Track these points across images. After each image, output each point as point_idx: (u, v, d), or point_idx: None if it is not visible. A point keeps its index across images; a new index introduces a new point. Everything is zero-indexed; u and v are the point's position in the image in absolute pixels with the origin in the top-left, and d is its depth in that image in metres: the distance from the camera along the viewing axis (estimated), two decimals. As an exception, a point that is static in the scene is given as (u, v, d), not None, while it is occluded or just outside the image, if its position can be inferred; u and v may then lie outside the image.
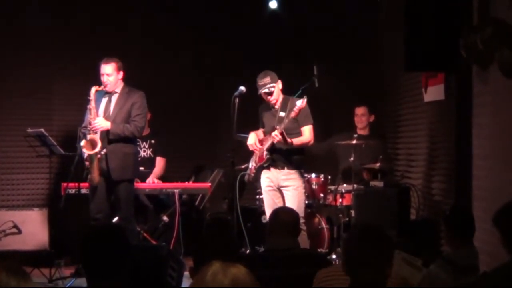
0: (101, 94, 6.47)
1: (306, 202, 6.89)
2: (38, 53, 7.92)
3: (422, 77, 6.86)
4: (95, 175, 6.31)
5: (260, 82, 6.45)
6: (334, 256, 6.86)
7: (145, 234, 7.27)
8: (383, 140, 7.98)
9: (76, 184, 6.50)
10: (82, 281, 5.81)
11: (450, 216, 4.32)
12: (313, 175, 7.25)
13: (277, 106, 6.55)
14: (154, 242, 7.17)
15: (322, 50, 8.14)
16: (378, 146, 7.55)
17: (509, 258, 3.37)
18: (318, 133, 6.80)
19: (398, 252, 4.10)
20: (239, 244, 6.82)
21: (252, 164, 6.72)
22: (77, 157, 6.35)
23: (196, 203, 7.77)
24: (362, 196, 6.96)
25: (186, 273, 4.86)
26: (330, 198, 7.30)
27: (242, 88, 6.37)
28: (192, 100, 8.49)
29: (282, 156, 6.51)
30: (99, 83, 6.42)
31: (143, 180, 7.46)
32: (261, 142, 6.61)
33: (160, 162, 7.79)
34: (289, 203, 6.34)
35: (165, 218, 7.35)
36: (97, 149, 6.24)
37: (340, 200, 7.26)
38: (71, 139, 7.06)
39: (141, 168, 7.42)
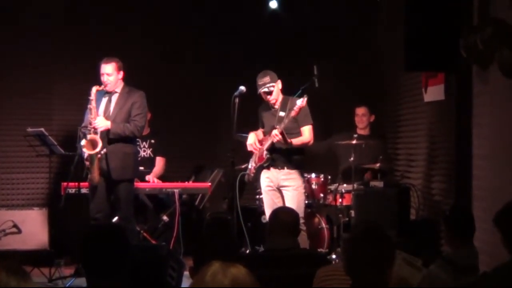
0: (101, 93, 6.47)
1: (306, 202, 6.89)
2: (38, 53, 7.92)
3: (422, 77, 6.86)
4: (95, 175, 6.31)
5: (260, 82, 6.45)
6: (334, 256, 6.86)
7: (145, 234, 7.27)
8: (383, 140, 7.98)
9: (76, 183, 6.50)
10: (82, 281, 5.81)
11: (450, 216, 4.32)
12: (313, 175, 7.25)
13: (276, 106, 6.55)
14: (154, 242, 7.16)
15: (322, 50, 8.14)
16: (378, 146, 7.55)
17: (509, 258, 3.37)
18: (318, 133, 6.80)
19: (399, 252, 4.09)
20: (239, 244, 6.82)
21: (252, 164, 6.72)
22: (77, 156, 6.35)
23: (196, 203, 7.77)
24: (362, 196, 6.96)
25: (186, 273, 4.86)
26: (330, 198, 7.30)
27: (242, 88, 6.37)
28: (192, 100, 8.49)
29: (282, 156, 6.51)
30: (99, 82, 6.42)
31: (143, 180, 7.45)
32: (260, 142, 6.61)
33: (160, 161, 7.80)
34: (289, 203, 6.34)
35: (165, 218, 7.35)
36: (98, 149, 6.24)
37: (340, 200, 7.26)
38: (71, 139, 7.06)
39: (141, 168, 7.42)
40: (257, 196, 7.30)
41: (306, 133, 6.51)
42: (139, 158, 7.35)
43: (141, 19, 8.26)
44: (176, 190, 7.19)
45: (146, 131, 7.38)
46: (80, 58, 7.84)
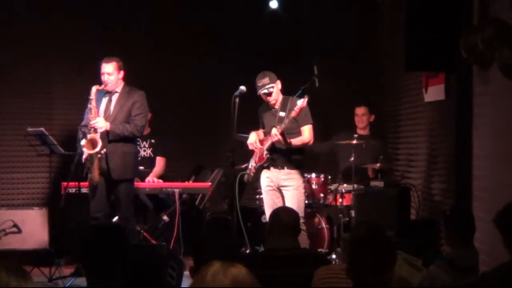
0: (101, 93, 6.46)
1: (306, 202, 6.89)
2: (39, 53, 7.93)
3: (423, 77, 6.86)
4: (95, 175, 6.30)
5: (259, 83, 6.44)
6: (334, 256, 6.86)
7: (145, 234, 7.27)
8: (383, 140, 7.98)
9: (76, 183, 6.50)
10: (82, 281, 5.82)
11: (450, 216, 4.33)
12: (313, 175, 7.25)
13: (276, 106, 6.55)
14: (154, 242, 7.16)
15: (323, 50, 8.13)
16: (378, 146, 7.55)
17: (509, 258, 3.37)
18: (318, 133, 6.80)
19: (399, 253, 4.09)
20: (239, 243, 6.82)
21: (252, 164, 6.72)
22: (77, 156, 6.35)
23: (196, 202, 7.76)
24: (362, 196, 6.96)
25: (186, 273, 4.88)
26: (330, 198, 7.30)
27: (242, 87, 6.37)
28: (192, 99, 8.49)
29: (282, 156, 6.51)
30: (99, 82, 6.42)
31: (143, 179, 7.45)
32: (261, 142, 6.61)
33: (160, 161, 7.79)
34: (289, 203, 6.34)
35: (165, 217, 7.35)
36: (98, 148, 6.23)
37: (340, 200, 7.26)
38: (71, 138, 7.07)
39: (141, 168, 7.42)
40: (257, 196, 7.31)
41: (306, 133, 6.51)
42: (139, 158, 7.36)
43: (141, 19, 8.26)
44: (176, 190, 7.18)
45: (146, 130, 7.38)
46: (81, 58, 7.83)
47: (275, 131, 6.28)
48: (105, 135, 6.34)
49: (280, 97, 6.56)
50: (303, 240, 6.05)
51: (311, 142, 6.59)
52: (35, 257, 6.91)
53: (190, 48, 8.40)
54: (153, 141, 7.82)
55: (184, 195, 7.49)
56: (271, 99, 6.50)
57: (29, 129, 7.03)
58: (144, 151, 7.78)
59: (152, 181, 7.51)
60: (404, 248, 4.12)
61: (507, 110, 4.99)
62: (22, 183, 7.99)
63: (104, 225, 5.55)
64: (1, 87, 7.86)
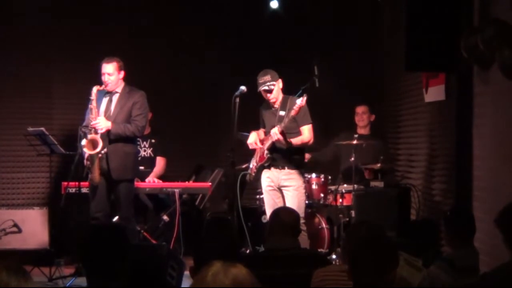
0: (102, 93, 6.46)
1: (307, 202, 6.89)
2: (39, 53, 7.92)
3: (423, 78, 6.86)
4: (96, 175, 6.31)
5: (260, 80, 6.45)
6: (334, 256, 6.86)
7: (145, 234, 7.27)
8: (384, 140, 7.98)
9: (77, 183, 6.50)
10: (82, 280, 5.82)
11: (451, 216, 4.33)
12: (314, 175, 7.25)
13: (277, 105, 6.55)
14: (154, 242, 7.16)
15: (323, 50, 8.13)
16: (379, 146, 7.55)
17: (509, 258, 3.37)
18: (318, 133, 6.80)
19: (400, 253, 4.10)
20: (240, 243, 6.82)
21: (253, 164, 6.72)
22: (78, 156, 6.35)
23: (197, 202, 7.76)
24: (363, 197, 6.96)
25: (186, 273, 4.87)
26: (330, 198, 7.30)
27: (242, 87, 6.37)
28: (192, 100, 8.49)
29: (282, 155, 6.51)
30: (100, 82, 6.42)
31: (143, 179, 7.45)
32: (262, 141, 6.61)
33: (160, 161, 7.79)
34: (289, 203, 6.34)
35: (165, 217, 7.35)
36: (98, 149, 6.23)
37: (340, 200, 7.26)
38: (71, 138, 7.07)
39: (141, 168, 7.42)
40: (258, 196, 7.31)
41: (306, 133, 6.51)
42: (140, 158, 7.36)
43: (141, 19, 8.26)
44: (176, 190, 7.18)
45: (147, 130, 7.38)
46: (81, 58, 7.83)
47: (275, 131, 6.28)
48: (106, 135, 6.34)
49: (281, 96, 6.56)
50: (303, 240, 6.05)
51: (311, 141, 6.59)
52: (35, 257, 6.91)
53: (190, 48, 8.40)
54: (153, 141, 7.82)
55: (184, 195, 7.49)
56: (271, 97, 6.50)
57: (30, 128, 7.03)
58: (145, 151, 7.78)
59: (152, 181, 7.51)
60: (404, 248, 4.12)
61: (508, 111, 4.99)
62: (22, 183, 7.99)
63: (104, 225, 5.55)
64: (1, 87, 7.86)
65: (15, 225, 7.32)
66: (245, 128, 6.72)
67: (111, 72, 6.40)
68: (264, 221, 6.82)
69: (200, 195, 7.73)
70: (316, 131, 6.64)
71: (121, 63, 6.45)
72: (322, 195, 7.23)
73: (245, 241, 7.15)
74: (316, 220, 7.29)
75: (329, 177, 7.35)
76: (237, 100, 6.32)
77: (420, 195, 7.05)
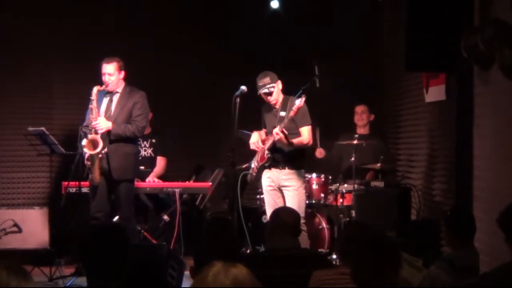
0: (102, 93, 6.46)
1: (307, 202, 6.89)
2: (39, 53, 7.92)
3: (423, 78, 6.86)
4: (96, 175, 6.31)
5: (260, 83, 6.44)
6: (334, 256, 6.85)
7: (145, 234, 7.27)
8: (384, 140, 7.98)
9: (77, 183, 6.50)
10: (83, 280, 5.82)
11: (451, 216, 4.33)
12: (314, 175, 7.25)
13: (277, 106, 6.55)
14: (154, 242, 7.16)
15: (323, 50, 8.13)
16: (379, 146, 7.55)
17: (510, 258, 3.37)
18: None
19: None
20: (240, 243, 6.82)
21: (254, 164, 6.72)
22: (78, 156, 6.35)
23: (197, 202, 7.77)
24: (363, 197, 6.96)
25: (187, 273, 4.87)
26: (330, 198, 7.31)
27: (243, 87, 6.37)
28: (193, 99, 8.49)
29: (283, 156, 6.51)
30: (100, 82, 6.42)
31: (144, 179, 7.45)
32: (263, 142, 6.61)
33: (160, 161, 7.80)
34: (290, 203, 6.34)
35: (165, 217, 7.35)
36: (99, 149, 6.23)
37: (340, 200, 7.27)
38: (72, 138, 7.07)
39: (142, 167, 7.42)
40: (258, 196, 7.31)
41: (305, 134, 6.50)
42: (140, 158, 7.36)
43: (141, 19, 8.26)
44: (176, 190, 7.18)
45: (147, 130, 7.38)
46: (81, 58, 7.83)
47: (276, 130, 6.28)
48: (106, 135, 6.34)
49: (281, 97, 6.55)
50: (304, 240, 6.05)
51: (310, 142, 6.60)
52: (36, 256, 6.92)
53: (190, 48, 8.40)
54: (153, 141, 7.82)
55: (185, 195, 7.49)
56: (272, 99, 6.50)
57: (30, 128, 7.03)
58: (145, 150, 7.78)
59: (152, 181, 7.51)
60: (405, 248, 4.12)
61: (508, 111, 4.99)
62: (22, 183, 7.99)
63: (104, 225, 5.55)
64: (1, 87, 7.86)
65: (15, 225, 7.32)
66: (245, 128, 6.73)
67: (111, 72, 6.40)
68: (265, 221, 6.82)
69: (201, 195, 7.74)
70: (315, 131, 6.63)
71: (121, 63, 6.45)
72: (322, 195, 7.23)
73: (246, 241, 7.15)
74: (317, 220, 7.29)
75: (330, 177, 7.35)
76: (238, 100, 6.32)
77: (421, 195, 7.05)
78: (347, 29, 8.29)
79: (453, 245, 4.18)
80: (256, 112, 6.79)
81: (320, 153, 7.53)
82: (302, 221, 6.02)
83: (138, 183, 7.12)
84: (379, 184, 7.05)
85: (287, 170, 6.51)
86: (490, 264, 4.38)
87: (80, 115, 6.74)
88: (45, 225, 7.36)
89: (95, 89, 6.35)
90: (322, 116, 7.45)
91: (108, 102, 6.49)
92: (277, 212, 4.54)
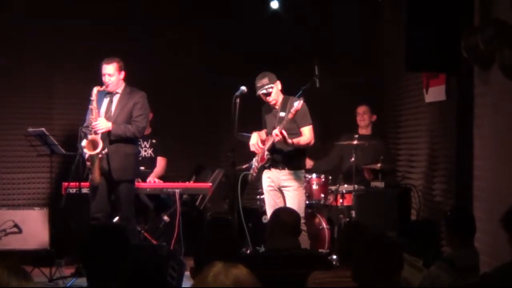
0: (102, 94, 6.46)
1: (307, 202, 6.89)
2: (39, 53, 7.92)
3: (423, 78, 6.86)
4: (96, 175, 6.30)
5: (258, 84, 6.44)
6: (334, 257, 6.84)
7: (145, 234, 7.27)
8: (385, 140, 7.98)
9: (77, 183, 6.50)
10: (83, 281, 5.82)
11: (451, 216, 4.32)
12: (314, 175, 7.26)
13: (277, 107, 6.55)
14: (154, 242, 7.17)
15: (324, 50, 8.13)
16: (379, 146, 7.55)
17: (510, 259, 3.37)
18: (318, 133, 6.79)
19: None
20: (240, 244, 6.82)
21: (255, 164, 6.71)
22: (78, 156, 6.35)
23: (197, 203, 7.77)
24: (363, 197, 6.96)
25: (187, 273, 4.86)
26: (331, 198, 7.31)
27: (243, 88, 6.37)
28: (193, 100, 8.49)
29: (282, 156, 6.51)
30: (100, 83, 6.42)
31: (144, 179, 7.45)
32: (263, 142, 6.61)
33: (161, 161, 7.79)
34: (290, 204, 6.34)
35: (165, 218, 7.35)
36: (99, 149, 6.23)
37: (341, 200, 7.27)
38: (72, 139, 7.07)
39: (142, 168, 7.42)
40: (258, 196, 7.31)
41: (307, 134, 6.50)
42: (140, 158, 7.36)
43: (141, 19, 8.26)
44: (177, 190, 7.18)
45: (147, 130, 7.38)
46: (82, 58, 7.84)
47: (276, 131, 6.28)
48: (106, 135, 6.34)
49: (281, 97, 6.55)
50: (304, 240, 6.05)
51: (312, 142, 6.59)
52: (36, 257, 6.91)
53: (191, 48, 8.40)
54: (154, 141, 7.82)
55: (185, 196, 7.50)
56: (271, 100, 6.49)
57: (30, 129, 7.03)
58: (145, 151, 7.78)
59: (153, 181, 7.51)
60: (405, 248, 4.12)
61: (508, 111, 4.99)
62: (22, 183, 7.99)
63: (104, 225, 5.55)
64: (1, 87, 7.86)
65: (16, 225, 7.32)
66: (245, 128, 6.72)
67: (111, 73, 6.40)
68: (265, 221, 6.82)
69: (201, 196, 7.74)
70: (316, 131, 6.63)
71: (121, 64, 6.45)
72: (322, 195, 7.24)
73: (246, 241, 7.15)
74: (317, 220, 7.29)
75: (330, 177, 7.36)
76: (238, 100, 6.32)
77: (421, 195, 7.05)
78: (347, 29, 8.29)
79: (453, 245, 4.18)
80: (257, 112, 6.79)
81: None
82: (302, 221, 6.02)
83: (139, 184, 7.12)
84: (379, 184, 7.05)
85: (286, 171, 6.51)
86: (490, 264, 4.37)
87: (80, 115, 6.74)
88: (45, 225, 7.35)
89: (95, 90, 6.35)
90: (322, 116, 7.46)
91: (108, 102, 6.49)
92: (277, 213, 4.54)
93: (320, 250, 7.05)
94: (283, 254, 4.15)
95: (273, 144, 6.45)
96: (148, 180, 7.50)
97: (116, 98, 6.49)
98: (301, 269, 3.91)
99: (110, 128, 6.32)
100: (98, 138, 6.26)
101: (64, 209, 6.57)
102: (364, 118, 7.79)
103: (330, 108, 8.24)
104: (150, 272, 4.45)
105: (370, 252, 2.87)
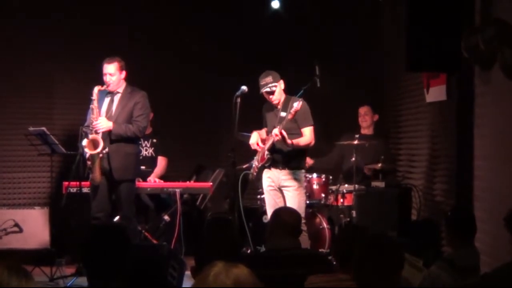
0: (103, 93, 6.46)
1: (308, 202, 6.89)
2: (40, 52, 7.92)
3: (423, 78, 6.86)
4: (97, 175, 6.30)
5: (262, 82, 6.45)
6: (335, 256, 6.85)
7: (146, 234, 7.27)
8: (385, 140, 7.99)
9: (78, 183, 6.51)
10: (83, 280, 5.82)
11: (451, 216, 4.32)
12: (315, 175, 7.26)
13: (279, 106, 6.55)
14: (155, 242, 7.17)
15: (324, 50, 8.13)
16: (379, 146, 7.56)
17: (510, 259, 3.37)
18: (319, 133, 6.80)
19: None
20: (241, 243, 6.82)
21: (255, 163, 6.72)
22: (79, 156, 6.36)
23: (198, 202, 7.77)
24: (363, 197, 6.96)
25: (187, 273, 4.87)
26: (331, 198, 7.31)
27: (243, 87, 6.37)
28: (193, 99, 8.49)
29: (282, 156, 6.51)
30: (101, 82, 6.43)
31: (145, 179, 7.46)
32: (263, 141, 6.61)
33: (161, 161, 7.79)
34: (290, 203, 6.34)
35: (166, 217, 7.35)
36: (99, 149, 6.23)
37: (341, 200, 7.27)
38: (72, 138, 7.08)
39: (143, 167, 7.42)
40: (259, 196, 7.31)
41: (307, 134, 6.50)
42: (141, 157, 7.36)
43: (142, 19, 8.26)
44: (177, 190, 7.19)
45: (148, 130, 7.38)
46: (82, 57, 7.84)
47: (275, 131, 6.28)
48: (107, 135, 6.34)
49: (283, 97, 6.55)
50: (304, 240, 6.05)
51: (312, 143, 6.59)
52: (36, 256, 6.92)
53: (190, 48, 8.39)
54: (154, 140, 7.82)
55: (185, 195, 7.50)
56: (274, 98, 6.50)
57: (31, 128, 7.03)
58: (146, 150, 7.78)
59: (153, 180, 7.51)
60: (405, 248, 4.12)
61: (509, 111, 4.99)
62: (23, 183, 7.99)
63: (105, 225, 5.55)
64: (2, 87, 7.86)
65: (16, 224, 7.32)
66: (246, 128, 6.72)
67: (112, 72, 6.40)
68: (265, 221, 6.82)
69: (201, 195, 7.74)
70: (317, 131, 6.63)
71: (122, 63, 6.45)
72: (323, 195, 7.24)
73: (246, 241, 7.15)
74: (317, 220, 7.29)
75: (330, 177, 7.36)
76: (238, 100, 6.32)
77: (421, 195, 7.05)
78: (347, 29, 8.29)
79: (454, 245, 4.18)
80: (257, 112, 6.79)
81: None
82: (303, 221, 6.02)
83: (139, 183, 7.12)
84: (380, 184, 7.05)
85: (286, 171, 6.51)
86: (491, 264, 4.38)
87: (81, 115, 6.74)
88: (45, 225, 7.36)
89: (96, 89, 6.35)
90: (322, 116, 7.46)
91: (109, 102, 6.49)
92: (277, 212, 4.55)
93: (320, 250, 7.05)
94: (283, 254, 4.15)
95: (273, 144, 6.45)
96: (148, 179, 7.50)
97: (117, 98, 6.50)
98: (301, 269, 3.91)
99: (111, 128, 6.33)
100: (99, 137, 6.26)
101: (65, 208, 6.58)
102: (365, 119, 7.80)
103: (330, 108, 8.24)
104: (151, 272, 4.45)
105: (370, 252, 2.87)
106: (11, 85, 7.89)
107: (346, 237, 3.90)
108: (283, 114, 6.45)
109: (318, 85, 6.71)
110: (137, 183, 6.90)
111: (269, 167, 6.57)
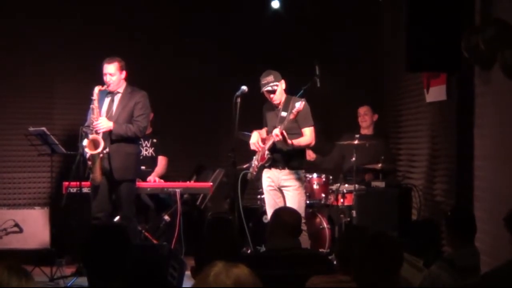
0: (104, 93, 6.46)
1: (308, 202, 6.89)
2: (40, 52, 7.92)
3: (423, 78, 6.86)
4: (97, 175, 6.30)
5: (263, 81, 6.45)
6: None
7: (146, 234, 7.27)
8: (385, 140, 7.99)
9: (78, 183, 6.51)
10: (83, 280, 5.82)
11: (451, 216, 4.32)
12: (315, 175, 7.26)
13: (280, 106, 6.55)
14: (155, 242, 7.17)
15: (324, 50, 8.14)
16: (379, 145, 7.56)
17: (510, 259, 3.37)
18: (319, 133, 6.80)
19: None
20: (241, 243, 6.83)
21: (255, 163, 6.72)
22: (79, 156, 6.36)
23: (198, 202, 7.77)
24: (364, 197, 6.96)
25: (187, 273, 4.87)
26: (331, 198, 7.31)
27: (244, 87, 6.37)
28: (194, 99, 8.49)
29: (283, 156, 6.51)
30: (101, 82, 6.43)
31: (144, 179, 7.46)
32: (263, 141, 6.61)
33: (162, 160, 7.79)
34: (290, 203, 6.34)
35: (166, 217, 7.36)
36: (100, 149, 6.23)
37: (341, 200, 7.27)
38: (72, 138, 7.08)
39: (143, 167, 7.42)
40: (259, 196, 7.32)
41: (308, 135, 6.50)
42: (141, 157, 7.36)
43: (142, 19, 8.26)
44: (177, 190, 7.19)
45: (148, 130, 7.38)
46: (83, 57, 7.84)
47: (276, 132, 6.28)
48: (108, 135, 6.35)
49: (284, 97, 6.55)
50: (304, 240, 6.05)
51: (313, 143, 6.59)
52: (36, 256, 6.92)
53: (190, 48, 8.39)
54: (154, 140, 7.83)
55: (186, 195, 7.50)
56: (274, 98, 6.50)
57: (31, 128, 7.03)
58: (146, 150, 7.78)
59: (153, 180, 7.51)
60: (405, 248, 4.13)
61: (509, 111, 4.99)
62: (23, 183, 7.99)
63: (105, 225, 5.56)
64: (1, 87, 7.86)
65: (16, 225, 7.32)
66: (246, 128, 6.73)
67: (112, 72, 6.40)
68: (265, 221, 6.82)
69: (201, 195, 7.74)
70: (317, 131, 6.64)
71: (122, 63, 6.46)
72: (323, 195, 7.24)
73: (246, 241, 7.15)
74: (317, 220, 7.30)
75: (330, 177, 7.36)
76: (238, 100, 6.32)
77: (421, 195, 7.05)
78: (347, 29, 8.29)
79: (454, 245, 4.18)
80: (257, 112, 6.79)
81: (309, 155, 7.47)
82: (303, 221, 6.03)
83: (139, 183, 7.12)
84: (380, 184, 7.05)
85: (286, 170, 6.51)
86: (491, 264, 4.38)
87: (81, 115, 6.74)
88: (46, 225, 7.36)
89: (97, 89, 6.35)
90: (322, 116, 7.46)
91: (110, 102, 6.49)
92: (278, 212, 4.55)
93: (320, 250, 7.05)
94: (283, 254, 4.15)
95: (274, 144, 6.45)
96: (149, 179, 7.50)
97: (117, 98, 6.50)
98: (301, 269, 3.91)
99: (111, 128, 6.33)
100: (99, 137, 6.26)
101: (65, 208, 6.58)
102: (365, 119, 7.80)
103: (330, 108, 8.24)
104: (151, 272, 4.45)
105: (370, 252, 2.87)
106: (11, 85, 7.89)
107: (346, 237, 3.91)
108: (283, 114, 6.46)
109: (318, 85, 6.72)
110: (137, 183, 6.90)
111: (269, 167, 6.57)
